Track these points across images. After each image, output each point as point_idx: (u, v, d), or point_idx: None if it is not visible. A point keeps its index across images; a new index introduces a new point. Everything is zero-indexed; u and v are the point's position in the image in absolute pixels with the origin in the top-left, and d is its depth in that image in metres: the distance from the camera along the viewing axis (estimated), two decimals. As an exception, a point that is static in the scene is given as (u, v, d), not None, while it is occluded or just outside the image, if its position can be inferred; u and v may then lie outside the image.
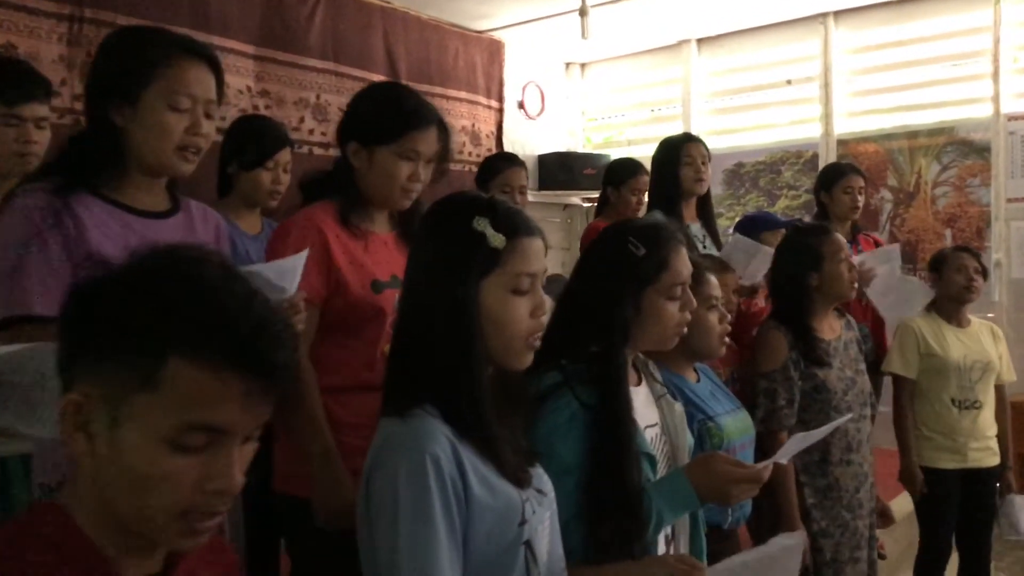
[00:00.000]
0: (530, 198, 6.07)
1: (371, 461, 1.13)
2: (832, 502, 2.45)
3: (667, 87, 6.32)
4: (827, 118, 5.61)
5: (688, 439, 1.63)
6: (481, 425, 1.14)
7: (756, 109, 5.97)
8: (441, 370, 1.14)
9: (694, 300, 1.58)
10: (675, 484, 1.42)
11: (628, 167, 3.58)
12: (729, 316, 1.95)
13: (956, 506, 3.16)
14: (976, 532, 3.19)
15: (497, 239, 1.15)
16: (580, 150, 6.50)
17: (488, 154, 5.54)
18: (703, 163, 3.17)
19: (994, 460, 3.19)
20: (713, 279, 1.93)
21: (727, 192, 6.08)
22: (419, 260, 1.22)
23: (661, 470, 1.54)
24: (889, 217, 5.47)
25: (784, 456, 1.52)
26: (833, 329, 2.62)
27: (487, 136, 5.62)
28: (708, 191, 3.27)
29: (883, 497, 3.08)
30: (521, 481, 1.17)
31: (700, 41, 6.09)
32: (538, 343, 1.21)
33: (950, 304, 3.20)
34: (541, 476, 1.27)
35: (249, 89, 4.27)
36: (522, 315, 1.18)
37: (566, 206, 6.35)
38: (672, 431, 1.60)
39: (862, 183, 3.63)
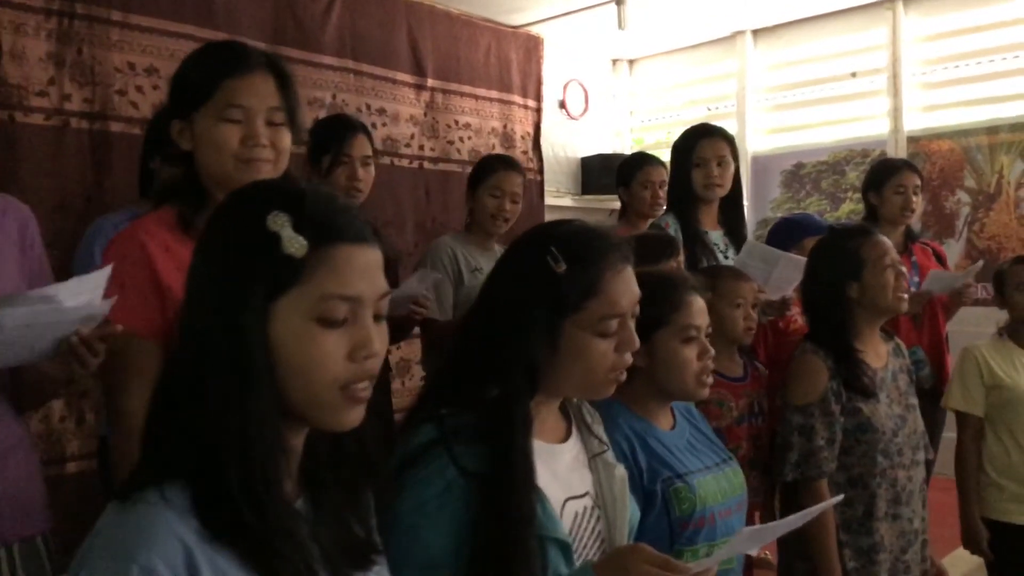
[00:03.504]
0: (571, 203, 5.82)
1: (75, 563, 0.79)
2: (877, 567, 2.03)
3: (721, 83, 5.91)
4: (896, 113, 5.11)
5: (631, 512, 1.26)
6: (250, 515, 0.79)
7: (818, 104, 5.50)
8: (204, 433, 0.81)
9: (636, 338, 1.20)
10: None
11: (634, 161, 3.23)
12: (712, 352, 1.55)
13: None
14: None
15: (294, 244, 0.81)
16: (627, 152, 6.13)
17: (523, 156, 5.24)
18: (719, 163, 2.75)
19: None
20: (696, 304, 1.54)
21: (785, 195, 5.63)
22: (194, 273, 0.88)
23: (590, 555, 1.18)
24: (967, 222, 4.93)
25: (731, 552, 1.13)
26: (879, 355, 2.19)
27: (522, 137, 5.28)
28: (737, 192, 2.86)
29: (948, 542, 2.63)
30: None
31: (756, 32, 5.67)
32: (366, 393, 0.87)
33: (1021, 327, 2.72)
34: None
35: (259, 88, 4.04)
36: (331, 355, 0.83)
37: (611, 211, 5.97)
38: (609, 502, 1.23)
39: (918, 181, 3.17)
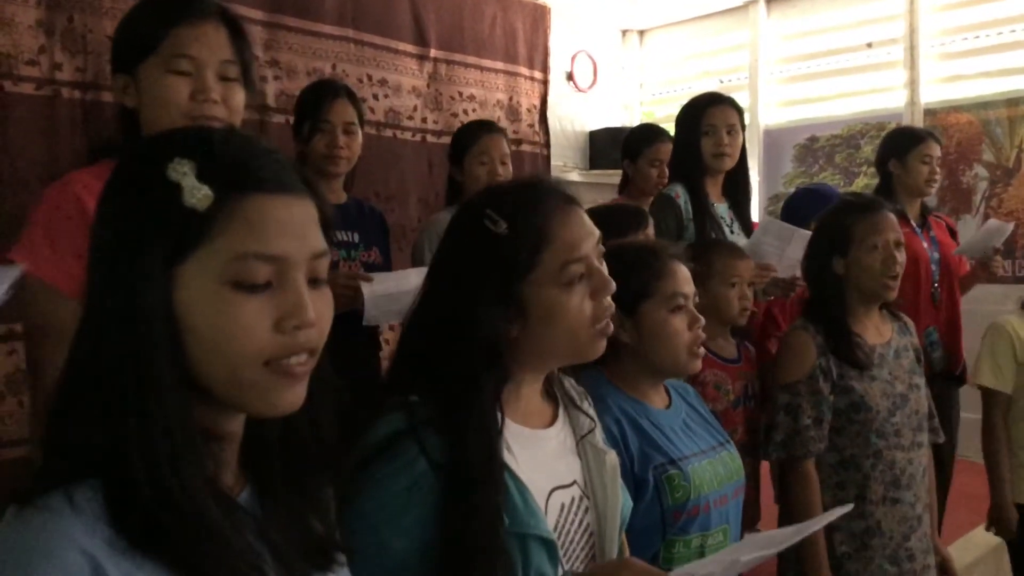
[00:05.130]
0: (578, 178, 5.70)
1: None
2: (872, 552, 1.95)
3: (733, 54, 5.75)
4: (912, 85, 4.95)
5: (622, 501, 1.16)
6: (167, 516, 0.68)
7: (832, 76, 5.33)
8: (107, 423, 0.70)
9: (610, 280, 1.08)
10: None
11: (644, 135, 3.10)
12: (702, 320, 1.46)
13: None
14: None
15: (196, 194, 0.70)
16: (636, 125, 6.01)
17: (529, 130, 5.13)
18: (729, 132, 2.63)
19: None
20: (681, 271, 1.44)
21: (798, 170, 5.49)
22: (92, 236, 0.76)
23: (577, 551, 1.10)
24: (984, 197, 4.80)
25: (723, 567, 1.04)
26: (881, 333, 2.10)
27: (528, 110, 5.17)
28: (743, 163, 2.75)
29: (962, 525, 2.54)
30: None
31: (769, 1, 5.50)
32: (302, 369, 0.75)
33: None
34: None
35: (257, 58, 3.95)
36: (251, 325, 0.71)
37: (620, 186, 5.86)
38: (598, 490, 1.13)
39: (939, 153, 3.05)
